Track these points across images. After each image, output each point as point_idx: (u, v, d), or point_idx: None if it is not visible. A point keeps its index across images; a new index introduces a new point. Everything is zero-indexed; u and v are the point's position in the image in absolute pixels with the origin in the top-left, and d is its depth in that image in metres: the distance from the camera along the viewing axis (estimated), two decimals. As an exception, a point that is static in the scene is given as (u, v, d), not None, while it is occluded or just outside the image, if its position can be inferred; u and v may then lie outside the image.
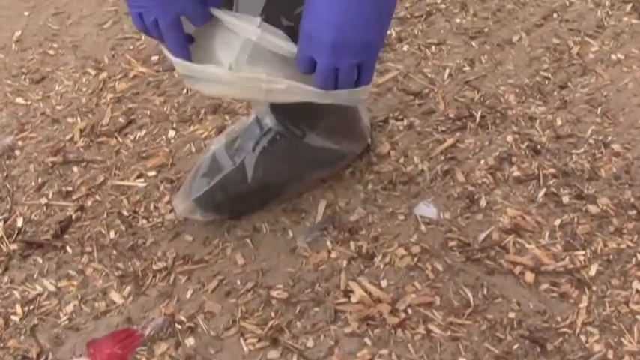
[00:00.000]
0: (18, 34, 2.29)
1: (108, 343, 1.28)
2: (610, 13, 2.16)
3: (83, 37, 2.25)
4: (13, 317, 1.61)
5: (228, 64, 1.33)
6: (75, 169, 1.90)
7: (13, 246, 1.74)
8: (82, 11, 2.34)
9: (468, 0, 2.21)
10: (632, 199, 1.73)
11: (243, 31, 1.32)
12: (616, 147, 1.83)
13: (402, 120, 1.91)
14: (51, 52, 2.22)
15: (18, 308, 1.62)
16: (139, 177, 1.86)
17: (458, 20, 2.16)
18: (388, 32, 2.05)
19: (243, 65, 1.33)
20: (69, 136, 1.97)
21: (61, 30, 2.28)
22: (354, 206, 1.75)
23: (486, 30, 2.13)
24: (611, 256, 1.63)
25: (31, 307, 1.63)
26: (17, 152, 1.95)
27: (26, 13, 2.36)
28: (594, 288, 1.58)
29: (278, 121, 1.67)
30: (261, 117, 1.69)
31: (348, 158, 1.78)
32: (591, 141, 1.85)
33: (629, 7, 2.18)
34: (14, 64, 2.20)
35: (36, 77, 2.14)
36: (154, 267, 1.67)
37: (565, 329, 1.52)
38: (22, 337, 1.58)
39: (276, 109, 1.66)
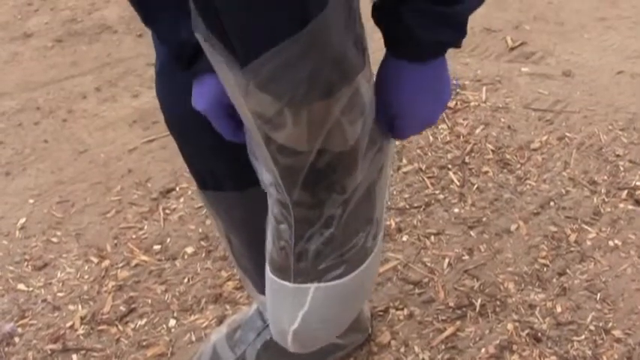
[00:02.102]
0: (22, 221, 2.32)
1: None
2: (606, 200, 2.20)
3: (86, 226, 2.28)
4: None
5: None
6: (74, 357, 1.89)
7: None
8: (86, 200, 2.38)
9: (465, 190, 2.26)
10: (635, 387, 1.72)
11: None
12: (617, 333, 1.83)
13: (403, 309, 1.92)
14: (54, 239, 2.24)
15: None
16: (138, 369, 1.85)
17: (456, 210, 2.20)
18: (387, 223, 2.09)
19: None
20: (69, 324, 1.97)
21: (65, 218, 2.32)
22: (355, 396, 1.74)
23: (484, 219, 2.16)
24: None
25: None
26: (16, 339, 1.95)
27: (31, 201, 2.40)
28: None
29: None
30: (264, 310, 1.69)
31: (348, 348, 1.78)
32: (592, 327, 1.85)
33: (624, 193, 2.21)
34: (17, 250, 2.22)
35: (38, 264, 2.16)
36: None
37: None
38: None
39: None
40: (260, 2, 0.94)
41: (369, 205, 1.27)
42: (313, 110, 1.04)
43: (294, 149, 1.10)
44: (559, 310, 1.90)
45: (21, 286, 2.10)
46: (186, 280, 2.06)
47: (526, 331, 1.85)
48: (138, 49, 3.08)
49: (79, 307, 2.02)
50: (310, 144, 1.09)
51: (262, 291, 1.58)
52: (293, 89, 1.01)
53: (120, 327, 1.95)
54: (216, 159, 1.37)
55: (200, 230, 2.20)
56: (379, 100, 1.17)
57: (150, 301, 2.01)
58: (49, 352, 1.90)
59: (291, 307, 1.28)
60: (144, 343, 1.90)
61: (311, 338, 1.33)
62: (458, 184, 2.28)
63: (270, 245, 1.28)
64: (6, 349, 1.93)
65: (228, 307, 1.97)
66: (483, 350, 1.81)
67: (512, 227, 2.13)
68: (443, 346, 1.83)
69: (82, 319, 1.98)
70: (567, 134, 2.45)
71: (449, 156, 2.39)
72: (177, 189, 2.36)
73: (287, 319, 1.30)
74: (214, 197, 1.44)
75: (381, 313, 1.91)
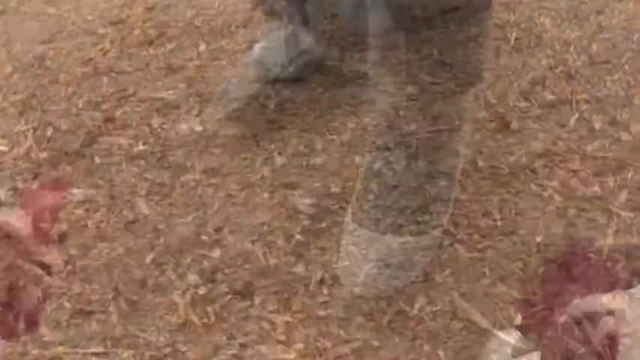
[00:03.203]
0: (50, -58, 2.28)
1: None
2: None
3: (116, -51, 2.23)
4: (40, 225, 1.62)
5: None
6: (105, 79, 1.89)
7: (43, 154, 1.74)
8: None
9: None
10: (666, 127, 1.71)
11: None
12: (652, 74, 1.81)
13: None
14: (83, -38, 2.21)
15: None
16: (168, 89, 1.85)
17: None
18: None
19: None
20: (99, 47, 1.97)
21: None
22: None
23: (524, -48, 2.09)
24: (641, 184, 1.62)
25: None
26: (48, 62, 1.95)
27: None
28: (623, 214, 1.56)
29: None
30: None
31: None
32: (626, 67, 1.83)
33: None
34: (46, -27, 2.19)
35: (67, -13, 2.13)
36: (182, 179, 1.67)
37: (591, 255, 1.51)
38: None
39: None
40: None
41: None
42: None
43: None
44: (594, 48, 1.87)
45: (51, 10, 2.09)
46: (216, 4, 2.03)
47: (560, 68, 1.83)
48: None
49: (109, 30, 2.01)
50: None
51: None
52: None
53: (150, 50, 1.94)
54: None
55: (230, -45, 2.15)
56: None
57: (180, 24, 1.99)
58: (80, 74, 1.91)
59: None
60: (174, 67, 1.90)
61: None
62: None
63: None
64: (38, 71, 1.93)
65: (258, 32, 1.94)
66: (515, 84, 1.80)
67: (552, -38, 2.07)
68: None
69: (112, 42, 1.97)
70: None
71: None
72: None
73: None
74: None
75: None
